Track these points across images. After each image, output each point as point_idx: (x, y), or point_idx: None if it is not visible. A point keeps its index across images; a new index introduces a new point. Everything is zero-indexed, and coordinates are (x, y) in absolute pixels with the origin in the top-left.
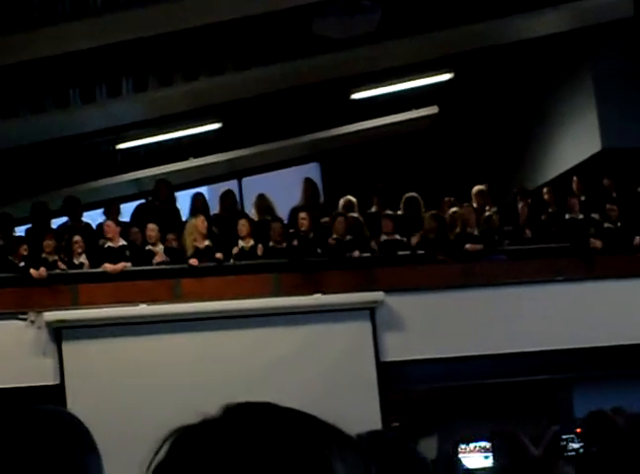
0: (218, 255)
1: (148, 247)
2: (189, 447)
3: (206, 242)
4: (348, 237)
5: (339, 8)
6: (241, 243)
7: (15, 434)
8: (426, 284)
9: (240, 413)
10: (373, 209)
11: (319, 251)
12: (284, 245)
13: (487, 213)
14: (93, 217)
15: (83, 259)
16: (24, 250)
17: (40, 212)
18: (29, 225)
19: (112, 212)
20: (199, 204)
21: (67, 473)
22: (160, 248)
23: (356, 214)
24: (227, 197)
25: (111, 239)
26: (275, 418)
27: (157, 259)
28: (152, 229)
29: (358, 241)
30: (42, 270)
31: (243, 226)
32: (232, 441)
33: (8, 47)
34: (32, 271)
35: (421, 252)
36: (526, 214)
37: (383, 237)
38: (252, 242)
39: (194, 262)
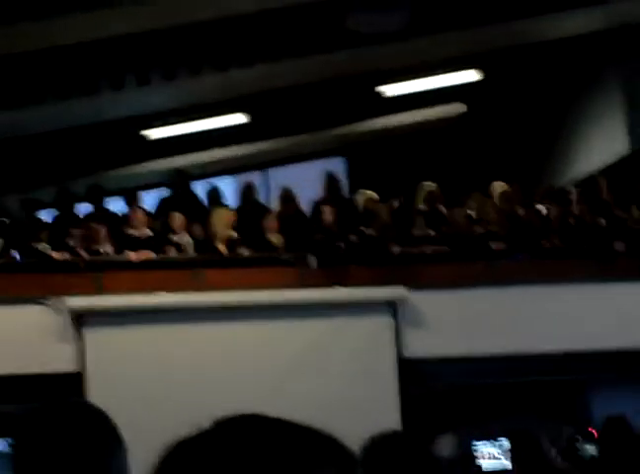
0: (242, 250)
1: (173, 236)
2: (180, 464)
3: (233, 233)
4: (372, 233)
5: (371, 3)
6: (267, 236)
7: (44, 427)
8: (450, 281)
9: (231, 427)
10: (398, 204)
11: (342, 245)
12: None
13: (513, 212)
14: (117, 205)
15: (107, 247)
16: (45, 235)
17: (64, 198)
18: (54, 211)
19: (132, 201)
20: (216, 196)
21: (96, 467)
22: (186, 238)
23: (383, 209)
24: (248, 190)
25: (136, 227)
26: (264, 432)
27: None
28: (178, 218)
29: (383, 236)
30: (66, 254)
31: (271, 220)
32: (222, 456)
33: (40, 32)
34: (54, 253)
35: (445, 248)
36: (553, 216)
37: (416, 231)
38: (277, 235)
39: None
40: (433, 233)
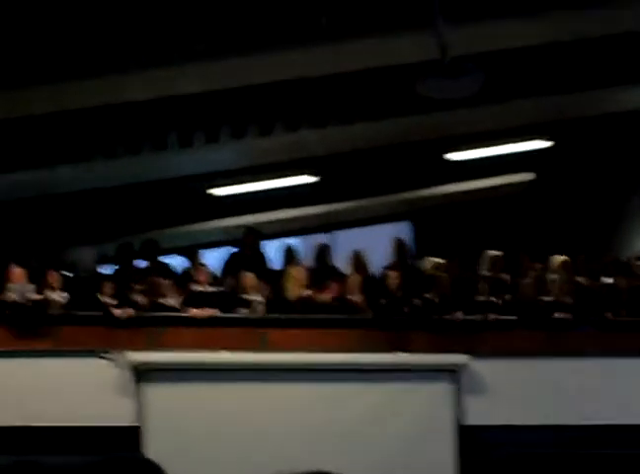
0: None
1: (244, 295)
2: None
3: (307, 293)
4: (436, 298)
5: (442, 69)
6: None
7: None
8: (512, 350)
9: None
10: (465, 271)
11: (405, 310)
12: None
13: (579, 283)
14: (178, 261)
15: (172, 301)
16: (109, 288)
17: (126, 253)
18: (115, 266)
19: (194, 258)
20: (291, 255)
21: None
22: (257, 297)
23: (446, 275)
24: (322, 251)
25: (201, 284)
26: None
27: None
28: (249, 277)
29: (447, 302)
30: (129, 310)
31: (352, 281)
32: None
33: (111, 88)
34: (115, 311)
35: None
36: (619, 288)
37: (479, 298)
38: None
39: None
40: (496, 300)
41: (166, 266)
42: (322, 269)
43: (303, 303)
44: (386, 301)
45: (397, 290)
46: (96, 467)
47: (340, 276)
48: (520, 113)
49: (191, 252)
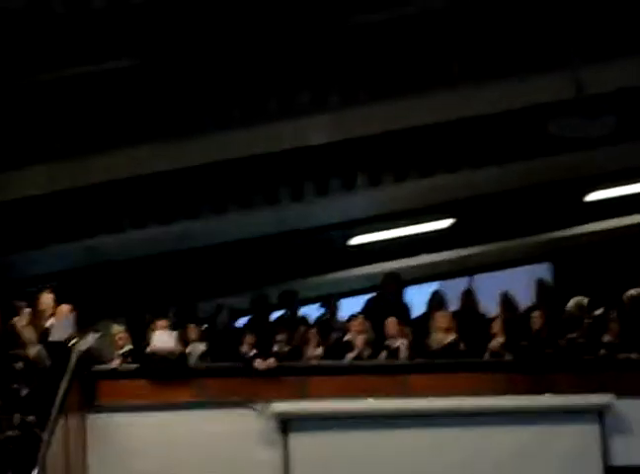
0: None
1: (387, 342)
2: None
3: (451, 337)
4: (580, 339)
5: (575, 109)
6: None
7: None
8: None
9: None
10: (599, 312)
11: (549, 351)
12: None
13: None
14: (315, 311)
15: (318, 351)
16: (250, 339)
17: (262, 305)
18: (250, 317)
19: (330, 308)
20: (438, 300)
21: None
22: (400, 342)
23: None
24: (468, 296)
25: (350, 333)
26: None
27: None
28: (392, 323)
29: (590, 343)
30: (270, 360)
31: (495, 324)
32: None
33: (246, 139)
34: (257, 362)
35: None
36: None
37: (606, 338)
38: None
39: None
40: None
41: (304, 317)
42: (468, 313)
43: (448, 349)
44: (530, 342)
45: (541, 331)
46: None
47: (485, 321)
48: None
49: (329, 301)
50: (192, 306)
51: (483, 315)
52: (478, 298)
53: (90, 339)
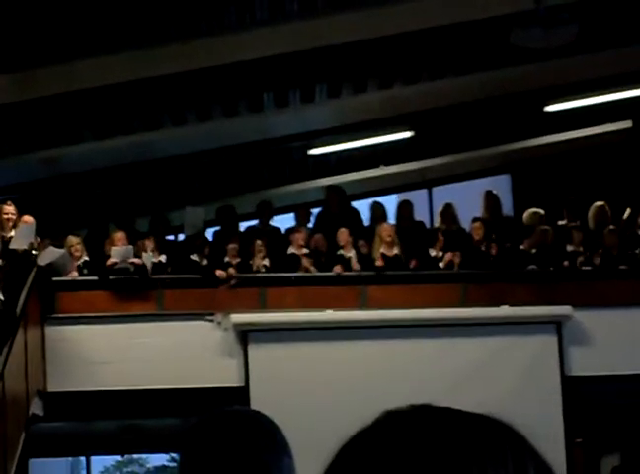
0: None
1: (339, 252)
2: (353, 455)
3: (395, 250)
4: (533, 250)
5: (537, 19)
6: (432, 252)
7: (214, 435)
8: (613, 300)
9: (404, 416)
10: (563, 222)
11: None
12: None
13: None
14: (282, 222)
15: (265, 262)
16: (207, 251)
17: (227, 216)
18: (216, 228)
19: (301, 218)
20: (378, 213)
21: (265, 473)
22: (352, 253)
23: (546, 227)
24: (405, 208)
25: (297, 246)
26: (437, 419)
27: (336, 269)
28: (343, 233)
29: (543, 254)
30: (230, 270)
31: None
32: (398, 444)
33: (206, 50)
34: (217, 271)
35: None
36: None
37: (569, 248)
38: (440, 252)
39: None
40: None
41: (268, 227)
42: (409, 224)
43: (394, 261)
44: (470, 254)
45: (481, 242)
46: (202, 424)
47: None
48: (616, 60)
49: (297, 213)
50: (161, 217)
51: (422, 226)
52: (431, 210)
53: (51, 254)
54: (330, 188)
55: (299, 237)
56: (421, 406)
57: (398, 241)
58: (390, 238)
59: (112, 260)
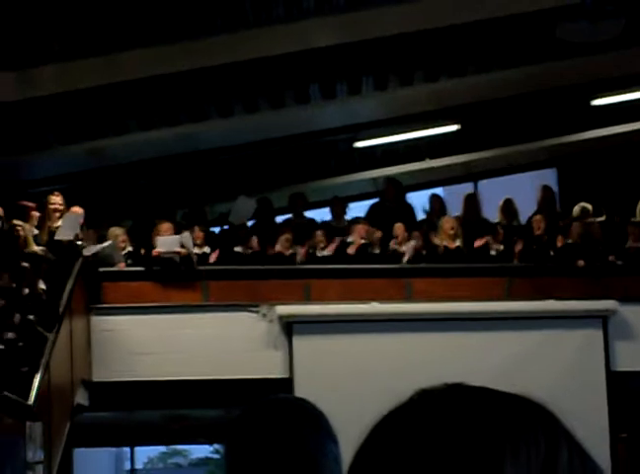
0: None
1: (393, 247)
2: (388, 431)
3: (457, 243)
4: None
5: (583, 13)
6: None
7: (259, 422)
8: None
9: (438, 395)
10: (613, 217)
11: (552, 253)
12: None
13: None
14: (321, 215)
15: (326, 252)
16: (254, 242)
17: (265, 208)
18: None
19: (337, 210)
20: (437, 205)
21: (311, 459)
22: (408, 246)
23: (592, 221)
24: (471, 200)
25: (352, 236)
26: (471, 398)
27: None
28: (400, 227)
29: (589, 248)
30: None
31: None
32: (432, 423)
33: (253, 42)
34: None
35: None
36: None
37: (629, 244)
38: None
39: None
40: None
41: (304, 219)
42: (471, 218)
43: (455, 253)
44: (532, 247)
45: (542, 236)
46: (247, 413)
47: (489, 226)
48: None
49: (338, 205)
50: (200, 209)
51: (486, 220)
52: (481, 203)
53: (98, 246)
54: (388, 180)
55: (361, 228)
56: (455, 384)
57: (461, 233)
58: (453, 231)
59: (158, 250)
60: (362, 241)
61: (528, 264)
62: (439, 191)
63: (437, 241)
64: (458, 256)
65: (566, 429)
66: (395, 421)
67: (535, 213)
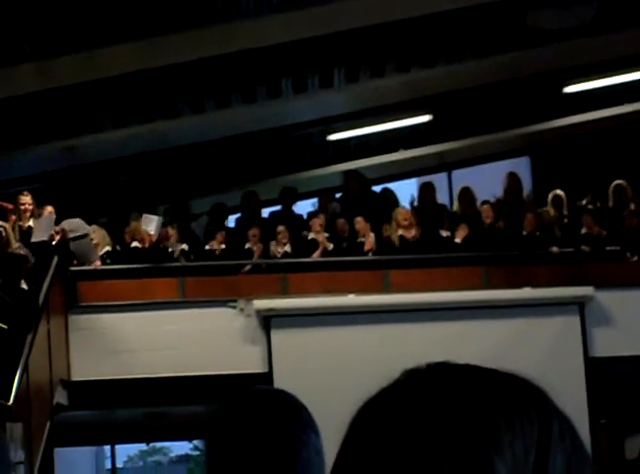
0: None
1: (359, 239)
2: (376, 412)
3: (413, 232)
4: (537, 233)
5: (553, 0)
6: (443, 233)
7: (239, 414)
8: (635, 280)
9: (424, 374)
10: (583, 202)
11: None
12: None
13: None
14: (303, 208)
15: (287, 248)
16: (221, 237)
17: (249, 202)
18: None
19: (323, 203)
20: (391, 199)
21: (291, 450)
22: (371, 238)
23: (551, 210)
24: (427, 190)
25: (315, 232)
26: (459, 376)
27: (367, 247)
28: (359, 222)
29: (548, 237)
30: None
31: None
32: (419, 401)
33: (223, 37)
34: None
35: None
36: None
37: (583, 231)
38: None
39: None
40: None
41: (292, 213)
42: (429, 208)
43: (411, 243)
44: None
45: (493, 223)
46: (228, 404)
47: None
48: (636, 40)
49: (319, 198)
50: (183, 204)
51: (443, 207)
52: (450, 193)
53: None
54: (348, 173)
55: (317, 222)
56: (440, 363)
57: (416, 223)
58: (407, 221)
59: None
60: (325, 235)
61: (505, 252)
62: (412, 181)
63: (390, 232)
64: (416, 245)
65: (554, 403)
66: (385, 400)
67: (484, 203)
